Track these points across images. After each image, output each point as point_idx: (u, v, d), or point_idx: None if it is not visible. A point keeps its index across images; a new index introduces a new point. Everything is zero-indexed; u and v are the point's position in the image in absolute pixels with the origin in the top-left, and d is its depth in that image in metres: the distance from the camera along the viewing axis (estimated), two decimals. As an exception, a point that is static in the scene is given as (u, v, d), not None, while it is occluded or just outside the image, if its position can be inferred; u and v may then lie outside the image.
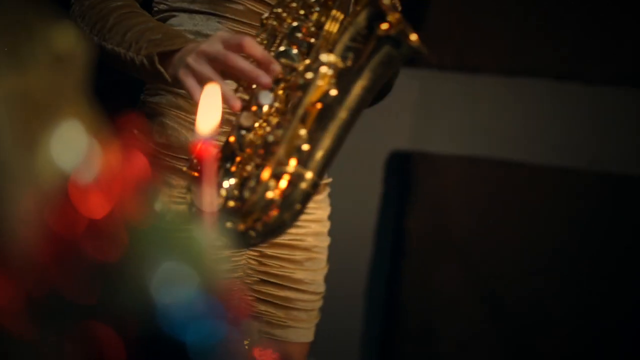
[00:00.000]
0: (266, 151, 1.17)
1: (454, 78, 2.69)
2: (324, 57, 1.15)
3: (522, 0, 2.68)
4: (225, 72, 1.20)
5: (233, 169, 1.22)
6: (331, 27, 1.25)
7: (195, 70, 1.20)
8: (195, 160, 1.13)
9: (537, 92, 2.71)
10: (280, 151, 1.14)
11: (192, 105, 1.43)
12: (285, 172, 1.14)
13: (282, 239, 1.45)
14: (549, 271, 2.69)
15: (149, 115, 1.51)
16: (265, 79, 1.17)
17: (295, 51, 1.24)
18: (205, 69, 1.19)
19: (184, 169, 1.21)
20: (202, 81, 1.19)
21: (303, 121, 1.15)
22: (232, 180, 1.20)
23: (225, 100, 1.15)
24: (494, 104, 2.72)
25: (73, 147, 0.57)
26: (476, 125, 2.72)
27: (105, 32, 1.36)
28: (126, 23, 1.35)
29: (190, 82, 1.20)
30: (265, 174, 1.14)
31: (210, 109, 0.76)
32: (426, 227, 2.69)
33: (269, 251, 1.48)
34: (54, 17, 0.62)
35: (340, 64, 1.15)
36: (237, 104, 1.17)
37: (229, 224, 1.16)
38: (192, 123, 1.43)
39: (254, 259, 1.48)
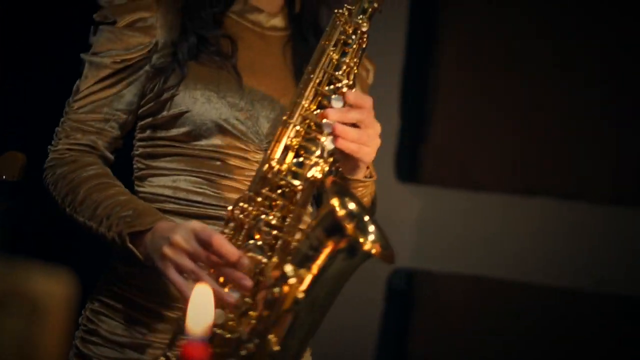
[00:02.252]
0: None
1: (456, 195, 2.68)
2: (289, 269, 1.18)
3: (526, 119, 2.66)
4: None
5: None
6: (295, 219, 1.27)
7: (176, 262, 1.24)
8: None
9: (540, 210, 2.66)
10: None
11: None
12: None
13: None
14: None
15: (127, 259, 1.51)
16: (247, 282, 1.22)
17: (261, 244, 1.27)
18: (186, 263, 1.24)
19: None
20: (183, 273, 1.24)
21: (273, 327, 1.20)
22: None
23: (217, 295, 1.18)
24: (498, 222, 2.68)
25: None
26: (479, 244, 2.68)
27: (76, 205, 1.41)
28: (96, 197, 1.39)
29: (173, 274, 1.25)
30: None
31: (201, 309, 0.76)
32: (427, 349, 2.64)
33: None
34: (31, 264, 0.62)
35: (305, 274, 1.18)
36: (232, 298, 1.22)
37: None
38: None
39: None
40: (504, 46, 2.62)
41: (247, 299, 1.25)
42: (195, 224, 1.27)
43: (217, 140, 1.44)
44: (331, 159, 1.30)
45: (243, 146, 1.45)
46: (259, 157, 1.44)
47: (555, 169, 2.63)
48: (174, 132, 1.46)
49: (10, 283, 0.59)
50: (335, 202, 1.18)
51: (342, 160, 1.33)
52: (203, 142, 1.45)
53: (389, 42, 2.61)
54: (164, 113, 1.45)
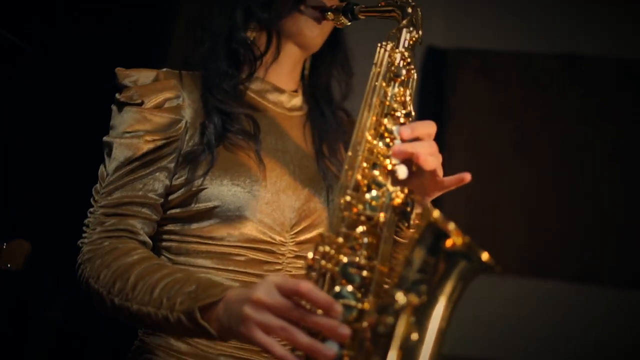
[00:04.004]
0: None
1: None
2: (400, 297, 1.03)
3: (536, 203, 2.66)
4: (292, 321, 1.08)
5: None
6: (385, 254, 1.15)
7: (260, 322, 1.07)
8: None
9: (549, 293, 2.63)
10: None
11: (193, 348, 1.37)
12: None
13: None
14: None
15: (148, 356, 1.40)
16: (344, 330, 1.05)
17: (351, 289, 1.13)
18: (272, 320, 1.07)
19: None
20: (271, 333, 1.07)
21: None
22: None
23: (314, 350, 1.05)
24: (505, 304, 2.63)
25: None
26: (486, 326, 2.60)
27: (127, 292, 1.24)
28: (150, 278, 1.23)
29: (261, 336, 1.07)
30: None
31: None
32: None
33: None
34: None
35: (416, 301, 1.04)
36: (332, 351, 1.05)
37: None
38: None
39: None
40: (514, 132, 2.66)
41: (346, 351, 1.10)
42: (275, 277, 1.13)
43: (243, 235, 1.39)
44: (406, 189, 1.21)
45: (269, 239, 1.40)
46: (285, 249, 1.41)
47: (566, 252, 2.61)
48: (201, 226, 1.39)
49: None
50: (436, 214, 1.08)
51: (416, 184, 1.27)
52: (229, 238, 1.39)
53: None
54: (193, 206, 1.39)
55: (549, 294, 2.63)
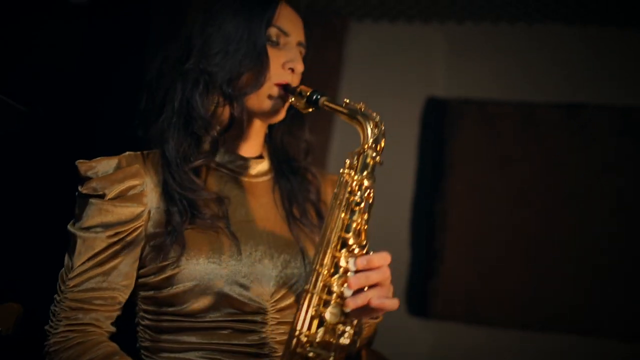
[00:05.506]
0: None
1: (465, 330, 2.63)
2: None
3: (535, 255, 2.65)
4: None
5: None
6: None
7: None
8: None
9: (554, 347, 2.62)
10: None
11: None
12: None
13: None
14: None
15: None
16: None
17: None
18: None
19: None
20: None
21: None
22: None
23: None
24: (505, 357, 2.63)
25: None
26: None
27: None
28: None
29: None
30: None
31: None
32: None
33: None
34: None
35: None
36: None
37: None
38: None
39: None
40: (514, 182, 2.65)
41: None
42: None
43: (224, 310, 1.40)
44: (355, 321, 1.25)
45: (250, 310, 1.41)
46: (267, 317, 1.41)
47: (570, 304, 2.60)
48: (182, 305, 1.41)
49: None
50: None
51: (367, 317, 1.29)
52: (211, 314, 1.40)
53: (398, 174, 2.65)
54: (171, 289, 1.40)
55: (553, 348, 2.62)
